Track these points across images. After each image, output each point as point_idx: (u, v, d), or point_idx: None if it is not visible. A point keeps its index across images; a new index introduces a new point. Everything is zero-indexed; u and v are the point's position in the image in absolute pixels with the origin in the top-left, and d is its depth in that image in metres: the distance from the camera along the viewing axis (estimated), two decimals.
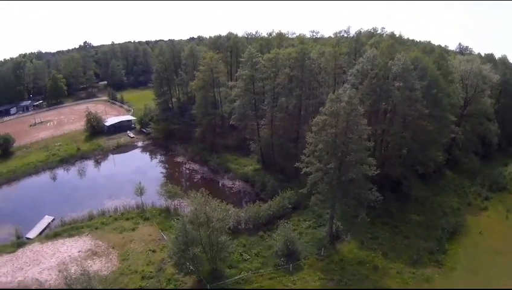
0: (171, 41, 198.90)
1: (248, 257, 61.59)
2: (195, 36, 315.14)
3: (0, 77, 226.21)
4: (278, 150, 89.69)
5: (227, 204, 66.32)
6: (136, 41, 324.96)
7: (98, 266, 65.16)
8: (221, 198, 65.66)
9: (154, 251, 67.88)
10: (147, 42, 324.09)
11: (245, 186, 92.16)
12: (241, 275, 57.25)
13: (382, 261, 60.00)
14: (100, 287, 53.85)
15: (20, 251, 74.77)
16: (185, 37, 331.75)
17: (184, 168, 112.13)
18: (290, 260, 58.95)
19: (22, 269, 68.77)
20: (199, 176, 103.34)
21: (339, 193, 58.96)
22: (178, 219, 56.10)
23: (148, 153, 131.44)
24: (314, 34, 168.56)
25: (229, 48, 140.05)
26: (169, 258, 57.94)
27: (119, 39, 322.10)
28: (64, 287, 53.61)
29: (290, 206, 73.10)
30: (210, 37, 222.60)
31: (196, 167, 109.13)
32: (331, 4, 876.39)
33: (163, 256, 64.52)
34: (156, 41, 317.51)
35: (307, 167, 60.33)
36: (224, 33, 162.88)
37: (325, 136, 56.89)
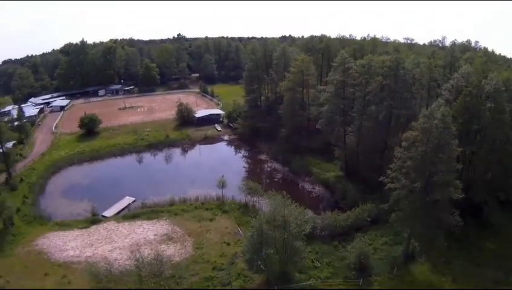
0: (264, 39, 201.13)
1: (319, 265, 61.33)
2: (287, 35, 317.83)
3: (90, 60, 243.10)
4: (362, 160, 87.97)
5: (305, 208, 66.71)
6: (229, 37, 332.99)
7: (172, 251, 68.09)
8: (299, 201, 65.89)
9: (228, 244, 69.77)
10: (240, 39, 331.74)
11: (325, 193, 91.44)
12: (309, 282, 57.24)
13: (451, 287, 57.25)
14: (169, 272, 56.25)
15: (93, 228, 79.46)
16: (277, 35, 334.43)
17: (266, 166, 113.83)
18: (361, 274, 57.91)
19: (92, 245, 73.00)
20: (280, 176, 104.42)
21: (421, 214, 57.16)
22: (255, 217, 57.10)
23: (233, 148, 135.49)
24: (409, 40, 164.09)
25: (321, 50, 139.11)
26: (242, 254, 59.70)
27: (213, 34, 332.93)
28: (134, 268, 56.07)
29: (368, 219, 71.42)
30: (302, 37, 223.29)
31: (278, 166, 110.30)
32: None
33: (236, 250, 66.23)
34: (249, 39, 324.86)
35: (392, 183, 59.03)
36: (317, 34, 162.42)
37: (415, 153, 55.43)
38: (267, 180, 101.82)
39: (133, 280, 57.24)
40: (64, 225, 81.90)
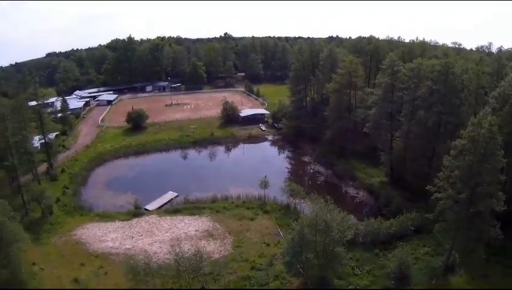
0: (310, 40, 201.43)
1: (359, 272, 60.92)
2: (335, 36, 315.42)
3: (137, 56, 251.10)
4: (409, 166, 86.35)
5: (348, 214, 66.29)
6: (276, 36, 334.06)
7: (212, 248, 69.23)
8: (342, 205, 65.33)
9: (268, 245, 70.18)
10: (286, 39, 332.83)
11: (368, 198, 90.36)
12: (348, 289, 57.14)
13: None
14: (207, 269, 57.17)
15: (135, 220, 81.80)
16: (324, 35, 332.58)
17: (309, 168, 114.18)
18: (401, 284, 57.12)
19: (133, 237, 75.09)
20: (323, 179, 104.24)
21: (464, 225, 55.56)
22: (297, 220, 56.97)
23: (276, 148, 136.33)
24: (457, 45, 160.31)
25: (369, 52, 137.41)
26: (282, 256, 59.35)
27: (259, 33, 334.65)
28: (173, 263, 57.13)
29: (412, 228, 70.28)
30: (350, 38, 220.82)
31: (321, 169, 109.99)
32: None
33: (276, 251, 66.43)
34: (295, 38, 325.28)
35: (438, 192, 57.68)
36: (365, 35, 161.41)
37: (462, 162, 53.94)
38: (310, 183, 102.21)
39: (171, 274, 58.78)
40: (106, 216, 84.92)
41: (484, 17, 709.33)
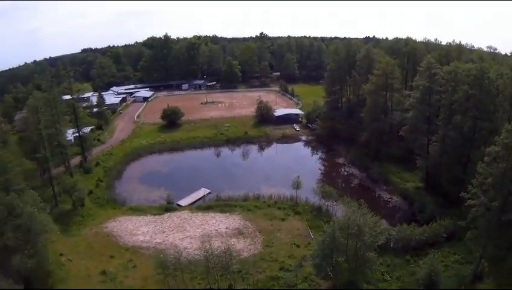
0: (347, 40, 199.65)
1: (389, 278, 60.84)
2: (371, 36, 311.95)
3: (174, 54, 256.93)
4: (444, 171, 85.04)
5: (381, 218, 65.77)
6: (311, 36, 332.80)
7: (242, 246, 70.06)
8: (375, 210, 64.69)
9: (298, 246, 70.46)
10: (322, 39, 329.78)
11: (402, 203, 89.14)
12: None
13: None
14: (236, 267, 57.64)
15: (166, 216, 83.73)
16: (361, 36, 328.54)
17: (342, 170, 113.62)
18: None
19: (164, 232, 76.94)
20: (356, 182, 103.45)
21: (495, 233, 54.53)
22: (329, 223, 56.95)
23: (310, 148, 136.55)
24: (492, 49, 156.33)
25: (406, 53, 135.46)
26: (311, 258, 59.22)
27: (295, 33, 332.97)
28: (202, 259, 57.98)
29: (444, 235, 69.42)
30: (386, 38, 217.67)
31: (355, 171, 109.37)
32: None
33: (306, 253, 66.45)
34: (331, 39, 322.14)
35: (472, 199, 56.82)
36: (402, 36, 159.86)
37: (495, 170, 52.95)
38: (343, 185, 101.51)
39: (199, 270, 60.10)
40: (138, 210, 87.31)
41: None
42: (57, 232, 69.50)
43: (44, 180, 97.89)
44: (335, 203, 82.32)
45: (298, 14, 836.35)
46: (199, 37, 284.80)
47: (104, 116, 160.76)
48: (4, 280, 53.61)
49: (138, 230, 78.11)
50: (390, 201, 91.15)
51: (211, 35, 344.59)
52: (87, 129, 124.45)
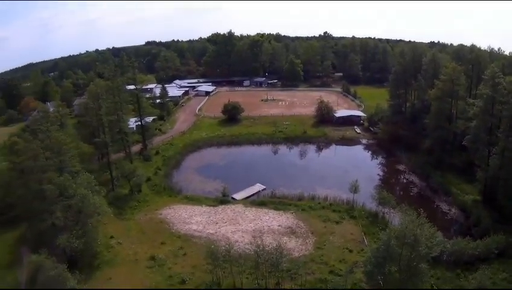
0: (412, 43, 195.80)
1: None
2: (436, 41, 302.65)
3: (237, 51, 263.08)
4: (502, 185, 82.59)
5: (437, 230, 65.10)
6: (376, 38, 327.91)
7: (293, 245, 71.10)
8: (432, 221, 64.16)
9: (350, 251, 70.04)
10: (387, 40, 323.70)
11: (460, 216, 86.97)
12: None
13: None
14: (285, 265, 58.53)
15: (220, 208, 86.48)
16: (425, 40, 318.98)
17: (402, 177, 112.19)
18: None
19: (217, 223, 79.57)
20: (416, 190, 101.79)
21: None
22: (385, 230, 57.07)
23: (369, 152, 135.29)
24: None
25: (471, 61, 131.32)
26: (364, 265, 58.85)
27: (360, 33, 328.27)
28: (253, 254, 59.48)
29: (495, 251, 67.61)
30: (451, 44, 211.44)
31: (415, 179, 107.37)
32: None
33: (358, 259, 66.10)
34: (397, 41, 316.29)
35: None
36: (466, 43, 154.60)
37: None
38: (401, 193, 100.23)
39: (249, 264, 61.68)
40: (194, 200, 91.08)
41: None
42: (111, 214, 73.65)
43: (102, 165, 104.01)
44: (392, 210, 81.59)
45: (363, 12, 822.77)
46: (262, 35, 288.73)
47: (166, 107, 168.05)
48: (48, 258, 56.37)
49: (192, 219, 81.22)
50: (448, 213, 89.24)
51: (274, 33, 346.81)
52: (149, 119, 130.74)
